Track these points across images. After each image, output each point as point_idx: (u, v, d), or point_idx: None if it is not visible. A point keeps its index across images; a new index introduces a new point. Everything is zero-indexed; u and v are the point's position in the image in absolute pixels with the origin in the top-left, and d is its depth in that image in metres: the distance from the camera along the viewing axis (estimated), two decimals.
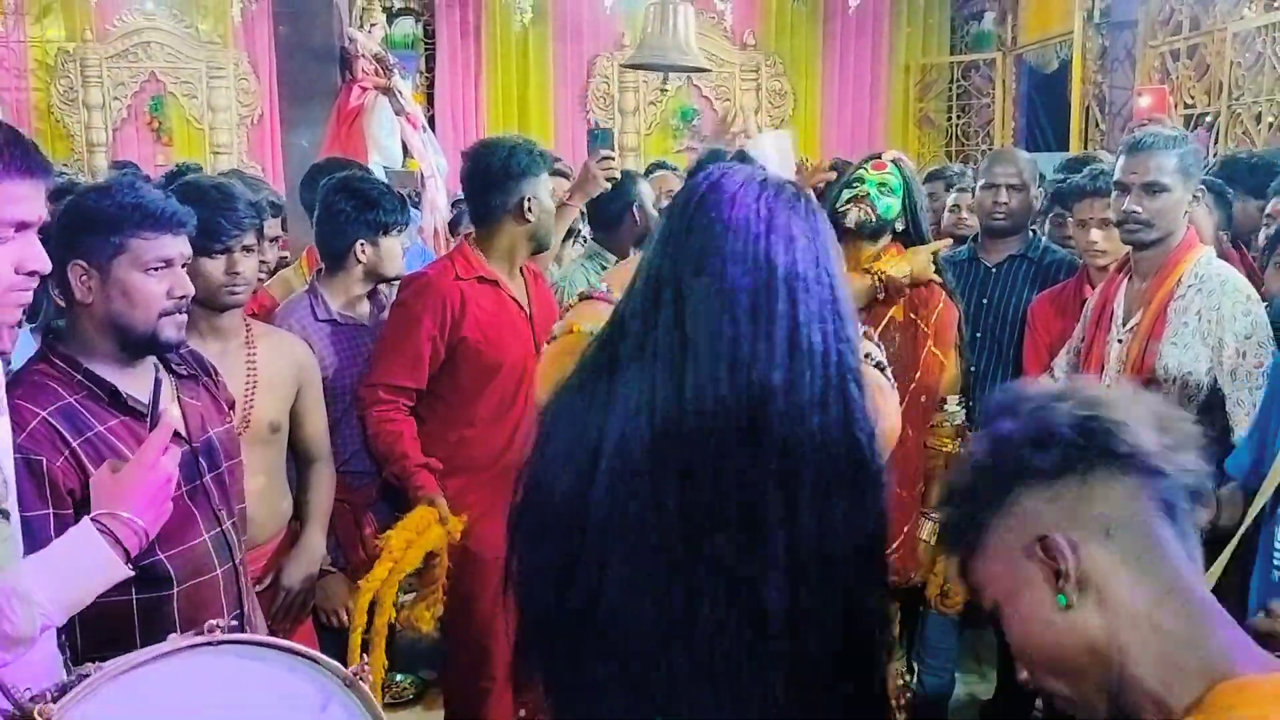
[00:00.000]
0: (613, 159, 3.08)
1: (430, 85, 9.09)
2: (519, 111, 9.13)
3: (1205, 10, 5.79)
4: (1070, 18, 7.23)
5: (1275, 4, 5.18)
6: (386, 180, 5.60)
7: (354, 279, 2.78)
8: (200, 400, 1.92)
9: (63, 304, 2.07)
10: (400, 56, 7.36)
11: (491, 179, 2.66)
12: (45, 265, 1.36)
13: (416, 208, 5.70)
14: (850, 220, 2.59)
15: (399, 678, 3.53)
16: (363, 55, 6.18)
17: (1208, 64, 5.73)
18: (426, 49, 9.12)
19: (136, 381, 1.79)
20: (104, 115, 8.95)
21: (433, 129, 7.32)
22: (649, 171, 4.70)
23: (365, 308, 2.83)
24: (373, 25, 6.57)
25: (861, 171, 2.71)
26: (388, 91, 6.22)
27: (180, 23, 8.98)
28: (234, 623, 1.87)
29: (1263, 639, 1.84)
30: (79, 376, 1.73)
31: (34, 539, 1.60)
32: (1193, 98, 5.86)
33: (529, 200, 2.64)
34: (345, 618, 2.50)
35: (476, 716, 2.70)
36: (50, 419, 1.67)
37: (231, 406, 2.10)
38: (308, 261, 3.28)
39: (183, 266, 1.79)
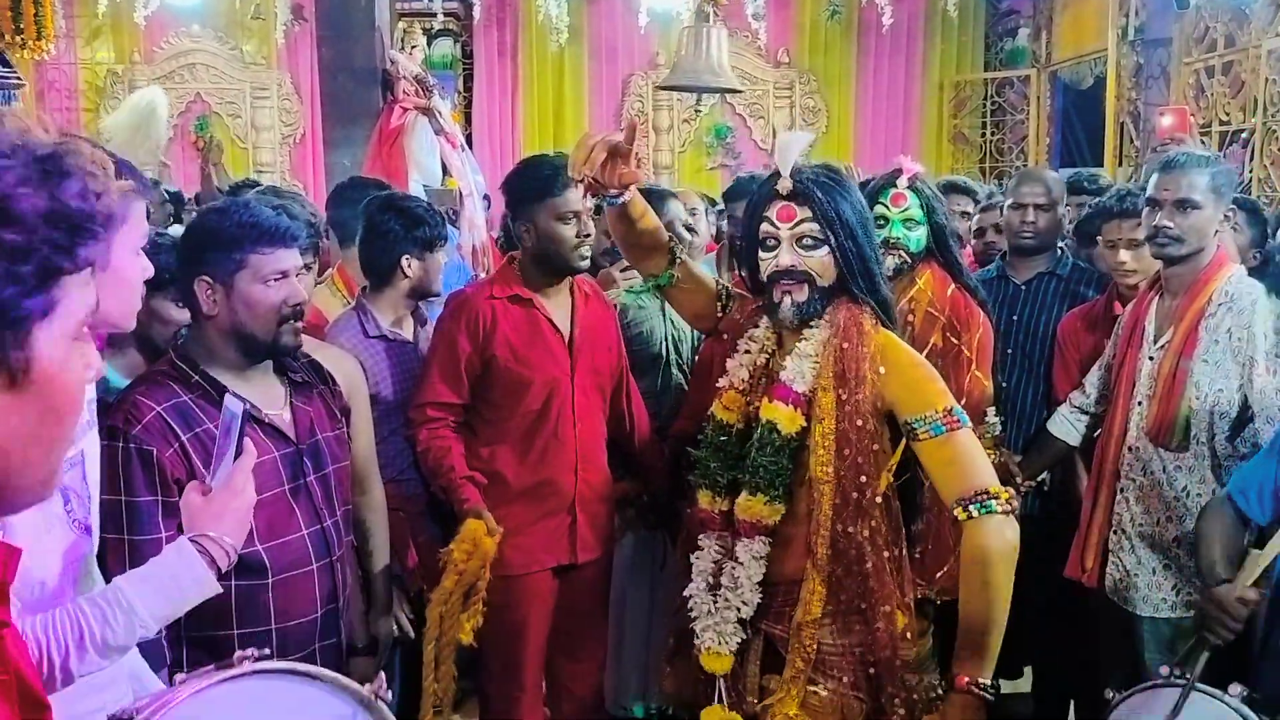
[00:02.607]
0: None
1: (468, 104, 9.23)
2: (555, 130, 9.24)
3: (1240, 27, 5.78)
4: (1105, 34, 7.23)
5: None
6: (426, 199, 5.72)
7: (399, 295, 2.86)
8: (312, 406, 2.06)
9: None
10: (439, 77, 7.49)
11: (508, 203, 2.74)
12: (151, 271, 1.51)
13: (454, 225, 5.80)
14: (889, 269, 2.58)
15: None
16: (404, 77, 6.30)
17: (1243, 81, 5.72)
18: (465, 69, 9.27)
19: (252, 387, 1.94)
20: None
21: (470, 147, 7.45)
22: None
23: (409, 325, 2.91)
24: (413, 47, 6.71)
25: (884, 210, 2.76)
26: (428, 112, 6.33)
27: (225, 45, 9.19)
28: (326, 616, 2.03)
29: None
30: (196, 378, 1.89)
31: (141, 525, 1.74)
32: (1228, 114, 5.85)
33: (528, 226, 2.64)
34: (401, 626, 2.60)
35: None
36: (164, 414, 1.82)
37: (346, 414, 2.23)
38: (340, 278, 3.37)
39: (296, 276, 1.93)
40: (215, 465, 1.58)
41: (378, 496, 2.54)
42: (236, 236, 1.87)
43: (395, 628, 2.57)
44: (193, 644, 1.82)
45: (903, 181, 2.78)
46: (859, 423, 1.95)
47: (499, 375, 2.64)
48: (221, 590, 1.53)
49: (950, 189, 3.91)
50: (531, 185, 2.66)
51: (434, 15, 8.18)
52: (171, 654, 1.77)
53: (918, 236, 2.77)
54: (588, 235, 2.65)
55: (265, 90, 9.22)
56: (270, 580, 1.91)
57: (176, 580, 1.46)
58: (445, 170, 6.45)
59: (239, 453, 1.56)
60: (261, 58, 9.22)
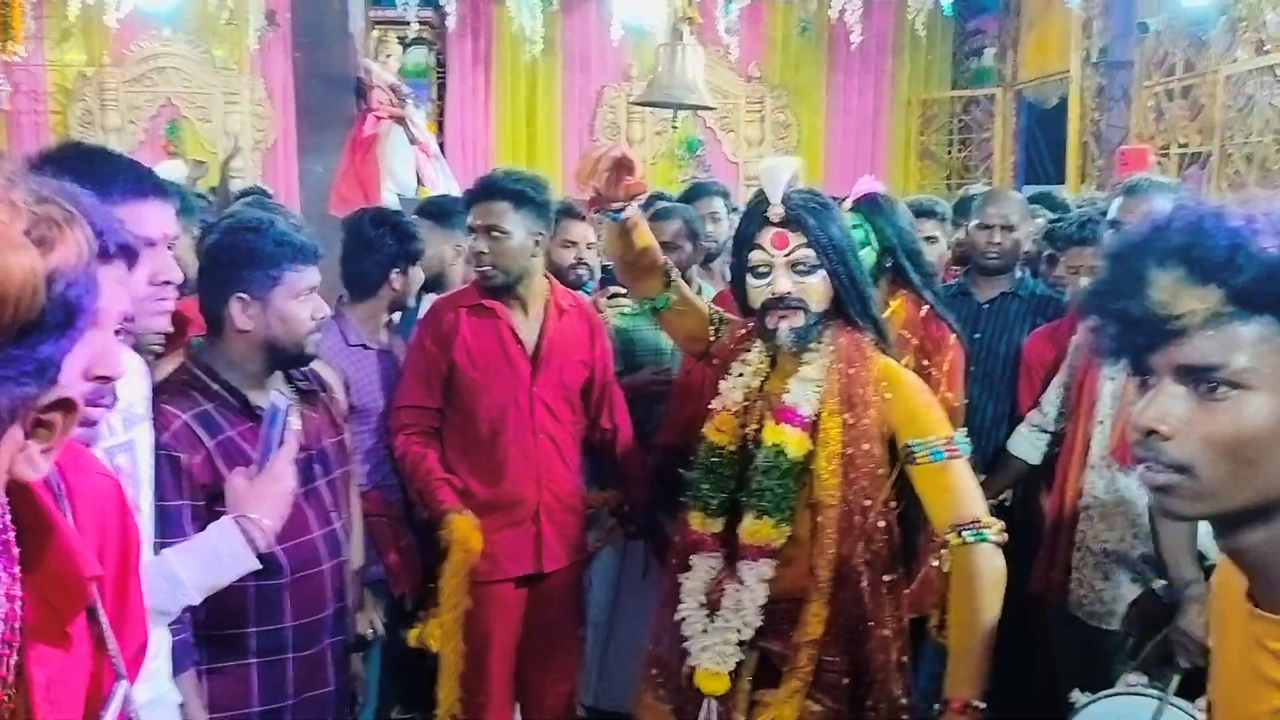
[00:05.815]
0: (623, 297, 3.07)
1: (441, 113, 9.24)
2: (528, 140, 9.27)
3: (1199, 53, 5.93)
4: (1068, 56, 7.38)
5: (1266, 48, 5.32)
6: (399, 208, 5.73)
7: (381, 306, 2.90)
8: (317, 413, 2.12)
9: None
10: (412, 85, 7.50)
11: None
12: (177, 275, 1.57)
13: None
14: None
15: None
16: (378, 85, 6.32)
17: (1201, 105, 5.86)
18: (438, 78, 9.28)
19: (266, 395, 1.98)
20: (120, 139, 9.10)
21: (443, 156, 7.46)
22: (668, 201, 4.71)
23: (385, 333, 2.95)
24: (387, 56, 6.72)
25: None
26: (402, 121, 6.36)
27: (197, 49, 9.14)
28: (336, 614, 2.09)
29: None
30: (215, 387, 1.94)
31: (169, 527, 1.80)
32: (1186, 138, 6.00)
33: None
34: (377, 628, 2.63)
35: None
36: (189, 422, 1.88)
37: (345, 420, 2.28)
38: None
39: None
40: (262, 455, 1.67)
41: (354, 508, 2.58)
42: (275, 255, 1.94)
43: (370, 628, 2.61)
44: (214, 641, 1.89)
45: (846, 204, 2.82)
46: (865, 446, 1.97)
47: (458, 381, 2.70)
48: (260, 566, 1.62)
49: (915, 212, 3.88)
50: (464, 206, 2.78)
51: (408, 24, 8.19)
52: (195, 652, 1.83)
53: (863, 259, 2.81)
54: (480, 254, 2.64)
55: (236, 96, 9.18)
56: (287, 580, 1.97)
57: (217, 553, 1.56)
58: (419, 179, 6.48)
59: (281, 443, 1.65)
60: (233, 63, 9.18)
